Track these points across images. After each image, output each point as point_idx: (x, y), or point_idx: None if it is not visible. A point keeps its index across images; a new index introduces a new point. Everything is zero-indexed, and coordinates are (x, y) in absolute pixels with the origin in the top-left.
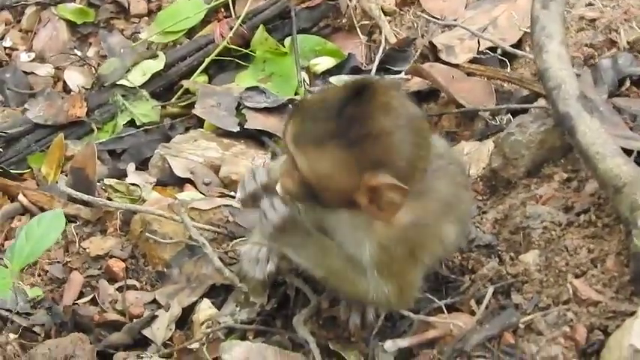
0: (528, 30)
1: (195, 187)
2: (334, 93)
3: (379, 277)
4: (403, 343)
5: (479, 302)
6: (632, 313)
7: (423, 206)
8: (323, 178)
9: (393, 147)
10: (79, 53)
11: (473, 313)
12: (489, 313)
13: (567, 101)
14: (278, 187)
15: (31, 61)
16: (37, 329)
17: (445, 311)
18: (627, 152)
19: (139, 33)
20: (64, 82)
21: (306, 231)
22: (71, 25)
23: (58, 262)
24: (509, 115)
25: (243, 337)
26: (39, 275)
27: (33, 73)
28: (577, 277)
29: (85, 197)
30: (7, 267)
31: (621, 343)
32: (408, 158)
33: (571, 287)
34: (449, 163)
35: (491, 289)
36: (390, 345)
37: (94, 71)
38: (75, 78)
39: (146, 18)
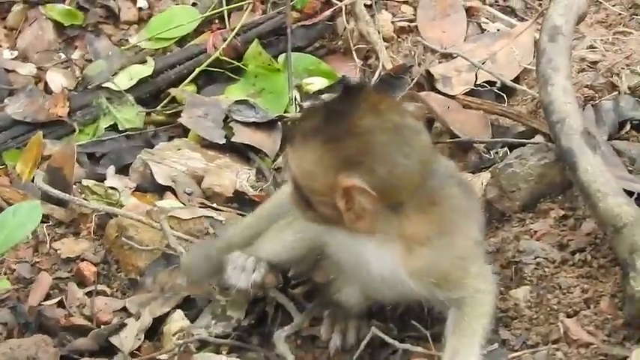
0: (529, 66)
1: (176, 196)
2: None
3: (462, 287)
4: None
5: None
6: (624, 359)
7: (440, 216)
8: (306, 176)
9: (371, 148)
10: (63, 55)
11: None
12: None
13: (571, 136)
14: None
15: (13, 59)
16: None
17: (430, 341)
18: (628, 194)
19: (127, 40)
20: (46, 82)
21: None
22: (58, 26)
23: (26, 261)
24: (505, 148)
25: (217, 352)
26: (5, 274)
27: (14, 71)
28: (569, 316)
29: (62, 195)
30: None
31: None
32: (390, 165)
33: (562, 326)
34: (460, 182)
35: None
36: None
37: (77, 74)
38: (57, 79)
39: (136, 25)
